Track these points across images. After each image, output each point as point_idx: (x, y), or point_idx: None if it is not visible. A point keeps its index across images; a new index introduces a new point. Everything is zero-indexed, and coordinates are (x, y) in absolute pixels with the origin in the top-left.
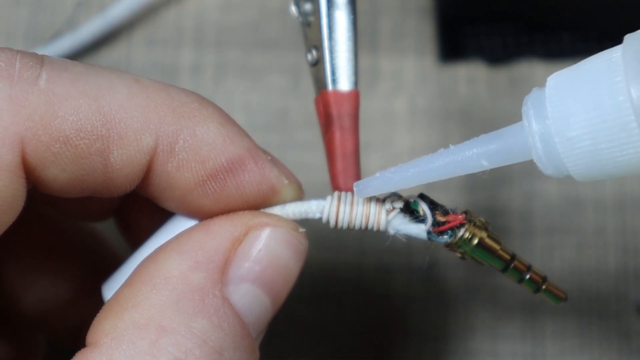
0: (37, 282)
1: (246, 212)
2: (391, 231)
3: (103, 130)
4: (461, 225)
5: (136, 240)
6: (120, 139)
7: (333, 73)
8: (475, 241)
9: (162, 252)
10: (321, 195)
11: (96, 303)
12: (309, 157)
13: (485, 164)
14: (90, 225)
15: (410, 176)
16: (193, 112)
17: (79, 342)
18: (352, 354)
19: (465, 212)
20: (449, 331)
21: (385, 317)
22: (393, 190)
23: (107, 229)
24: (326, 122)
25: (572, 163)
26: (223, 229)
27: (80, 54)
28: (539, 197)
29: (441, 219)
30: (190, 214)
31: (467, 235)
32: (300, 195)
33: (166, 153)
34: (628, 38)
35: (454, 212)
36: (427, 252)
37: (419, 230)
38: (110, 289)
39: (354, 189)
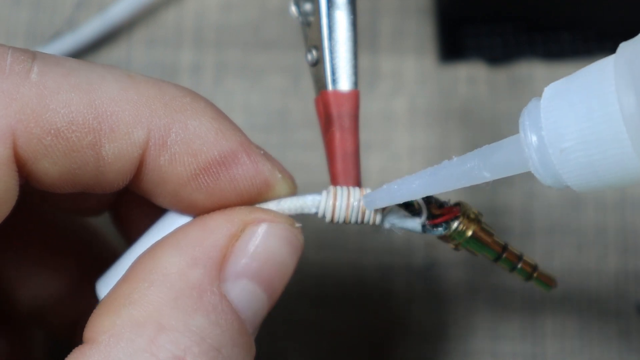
0: (33, 278)
1: (243, 207)
2: (387, 225)
3: (95, 123)
4: (455, 217)
5: (131, 234)
6: (112, 132)
7: (333, 73)
8: (469, 233)
9: (159, 248)
10: None
11: (92, 298)
12: (309, 157)
13: (488, 176)
14: (84, 220)
15: (415, 188)
16: (185, 106)
17: (76, 337)
18: (352, 354)
19: (459, 205)
20: (449, 331)
21: (385, 317)
22: (399, 202)
23: (102, 223)
24: (326, 122)
25: (568, 174)
26: (220, 225)
27: (80, 54)
28: (539, 197)
29: (436, 212)
30: (184, 209)
31: (461, 227)
32: (294, 189)
33: (158, 146)
34: (621, 47)
35: (449, 206)
36: (427, 252)
37: (414, 223)
38: (104, 286)
39: (363, 201)
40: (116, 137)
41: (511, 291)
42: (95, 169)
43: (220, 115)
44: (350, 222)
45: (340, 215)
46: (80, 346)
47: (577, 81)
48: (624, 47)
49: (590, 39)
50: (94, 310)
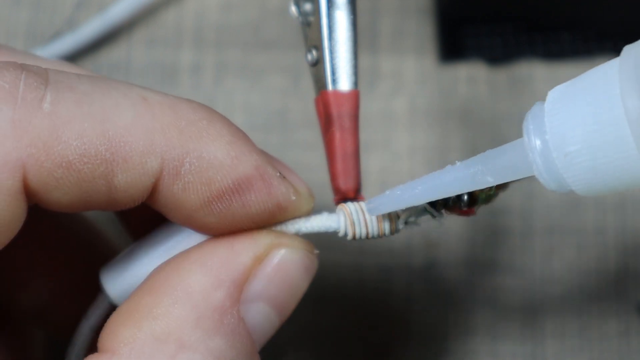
0: (32, 277)
1: (268, 231)
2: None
3: (107, 154)
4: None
5: (136, 228)
6: (125, 162)
7: (333, 73)
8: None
9: (184, 263)
10: (321, 196)
11: (93, 296)
12: (309, 157)
13: (491, 180)
14: (83, 216)
15: (418, 193)
16: (201, 132)
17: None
18: (352, 354)
19: (472, 198)
20: (449, 331)
21: (385, 317)
22: (403, 208)
23: (100, 218)
24: (326, 122)
25: (573, 178)
26: (247, 248)
27: (80, 54)
28: (539, 197)
29: (451, 213)
30: (197, 229)
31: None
32: (311, 204)
33: (172, 176)
34: (625, 50)
35: (465, 209)
36: (427, 252)
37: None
38: (111, 277)
39: (366, 207)
40: (129, 167)
41: (511, 291)
42: (106, 195)
43: (237, 136)
44: (371, 238)
45: (361, 234)
46: (96, 354)
47: (582, 84)
48: (629, 50)
49: (590, 39)
50: (111, 317)
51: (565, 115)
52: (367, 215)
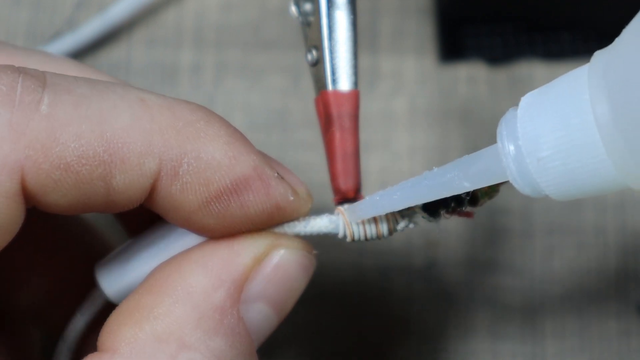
0: (30, 277)
1: (268, 232)
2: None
3: (105, 156)
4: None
5: (132, 225)
6: (123, 163)
7: (333, 73)
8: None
9: (185, 263)
10: (321, 196)
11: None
12: (309, 157)
13: (467, 186)
14: (80, 216)
15: (396, 199)
16: (198, 133)
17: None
18: (352, 354)
19: (473, 197)
20: (449, 331)
21: (385, 317)
22: (381, 214)
23: (98, 216)
24: (326, 122)
25: (546, 183)
26: (246, 249)
27: (80, 54)
28: None
29: (449, 216)
30: (196, 231)
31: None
32: (309, 204)
33: (170, 176)
34: (595, 56)
35: (464, 212)
36: (427, 252)
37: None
38: (105, 274)
39: (346, 213)
40: (127, 169)
41: (511, 291)
42: (105, 197)
43: (235, 137)
44: (369, 240)
45: (360, 236)
46: (97, 354)
47: (553, 90)
48: (598, 56)
49: (590, 39)
50: (111, 316)
51: (537, 121)
52: (367, 230)
